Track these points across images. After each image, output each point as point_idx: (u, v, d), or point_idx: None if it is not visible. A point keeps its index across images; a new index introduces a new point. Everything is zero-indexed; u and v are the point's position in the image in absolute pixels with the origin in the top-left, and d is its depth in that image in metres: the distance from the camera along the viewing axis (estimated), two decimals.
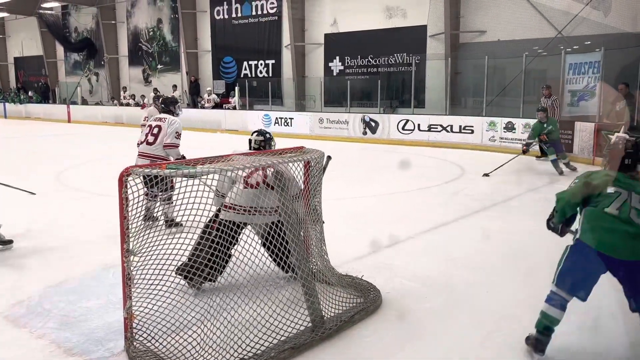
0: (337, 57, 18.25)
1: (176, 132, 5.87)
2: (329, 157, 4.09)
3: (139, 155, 5.85)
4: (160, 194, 3.22)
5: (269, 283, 3.29)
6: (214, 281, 3.48)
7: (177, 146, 5.87)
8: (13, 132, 19.28)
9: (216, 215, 3.71)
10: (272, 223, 3.59)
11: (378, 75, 17.05)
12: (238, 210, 3.75)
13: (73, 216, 6.33)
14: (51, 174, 9.23)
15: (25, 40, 29.55)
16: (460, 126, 13.86)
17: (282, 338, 3.19)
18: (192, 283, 3.55)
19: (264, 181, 3.78)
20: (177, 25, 22.23)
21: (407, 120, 14.77)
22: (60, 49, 27.77)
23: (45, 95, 27.44)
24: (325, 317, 3.42)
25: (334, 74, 18.38)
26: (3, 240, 5.14)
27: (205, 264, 3.34)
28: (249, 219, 3.76)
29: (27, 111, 26.15)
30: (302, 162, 3.69)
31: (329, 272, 3.92)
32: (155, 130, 5.87)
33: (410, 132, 14.68)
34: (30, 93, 27.91)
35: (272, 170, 3.56)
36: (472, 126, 13.62)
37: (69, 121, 23.81)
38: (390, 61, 17.04)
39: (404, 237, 5.58)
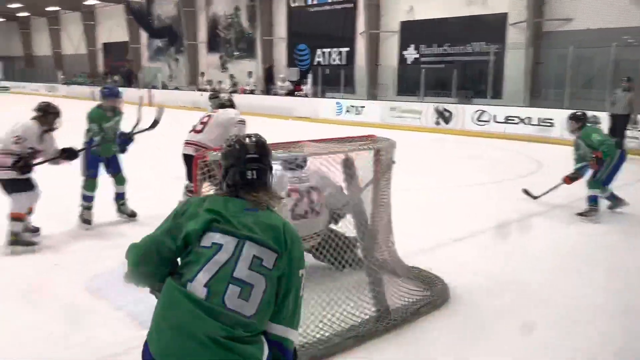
0: (412, 45, 17.92)
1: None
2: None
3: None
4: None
5: (333, 270, 3.29)
6: None
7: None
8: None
9: None
10: (314, 245, 3.64)
11: (454, 64, 16.58)
12: None
13: (156, 195, 6.56)
14: (139, 155, 9.66)
15: (113, 27, 31.14)
16: (539, 119, 13.25)
17: (347, 326, 3.19)
18: None
19: (312, 209, 3.79)
20: (254, 12, 22.61)
21: (483, 111, 14.30)
22: (144, 36, 29.04)
23: (129, 79, 28.79)
24: (390, 308, 3.39)
25: (408, 62, 18.08)
26: (128, 212, 5.73)
27: None
28: None
29: None
30: (372, 150, 3.66)
31: (396, 263, 3.87)
32: (205, 119, 5.77)
33: (485, 123, 14.21)
34: (115, 77, 29.39)
35: (316, 195, 3.62)
36: (552, 119, 12.97)
37: (149, 105, 24.90)
38: (468, 50, 16.53)
39: (474, 231, 5.43)
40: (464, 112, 14.64)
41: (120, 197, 5.72)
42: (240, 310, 1.63)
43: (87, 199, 5.44)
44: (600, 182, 5.93)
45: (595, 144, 5.87)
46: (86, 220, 5.43)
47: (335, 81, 19.16)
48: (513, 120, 13.72)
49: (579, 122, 6.14)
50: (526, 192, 6.73)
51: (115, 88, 5.77)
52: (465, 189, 7.52)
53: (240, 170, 1.82)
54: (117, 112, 5.62)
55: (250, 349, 1.61)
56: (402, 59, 18.25)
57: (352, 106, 17.32)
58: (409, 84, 17.85)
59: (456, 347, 3.17)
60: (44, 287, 3.92)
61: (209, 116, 5.84)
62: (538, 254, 4.84)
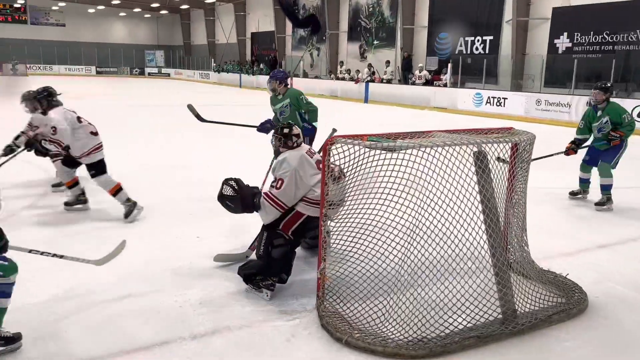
0: (565, 34, 16.53)
1: None
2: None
3: None
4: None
5: (459, 267, 3.17)
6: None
7: None
8: (247, 101, 21.59)
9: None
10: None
11: (613, 53, 15.02)
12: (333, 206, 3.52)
13: None
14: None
15: (261, 17, 32.81)
16: None
17: (469, 325, 3.06)
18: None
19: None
20: (396, 0, 22.41)
21: None
22: (289, 25, 30.20)
23: (274, 67, 30.19)
24: (518, 312, 3.19)
25: (559, 51, 16.72)
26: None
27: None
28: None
29: (257, 82, 29.14)
30: (510, 143, 3.45)
31: (528, 265, 3.63)
32: None
33: None
34: (261, 65, 30.99)
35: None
36: None
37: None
38: (631, 38, 14.84)
39: (624, 238, 4.91)
40: None
41: None
42: None
43: None
44: (612, 168, 5.93)
45: (624, 123, 5.82)
46: None
47: (476, 71, 18.37)
48: None
49: (607, 93, 5.86)
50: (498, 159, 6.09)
51: (278, 71, 6.09)
52: (619, 191, 6.80)
53: None
54: (285, 95, 5.81)
55: None
56: (552, 48, 16.92)
57: (493, 97, 16.49)
58: (559, 75, 16.53)
59: None
60: (184, 257, 4.28)
61: None
62: None
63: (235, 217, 5.26)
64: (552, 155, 6.13)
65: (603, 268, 4.17)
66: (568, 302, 3.44)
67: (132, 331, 3.08)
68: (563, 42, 16.66)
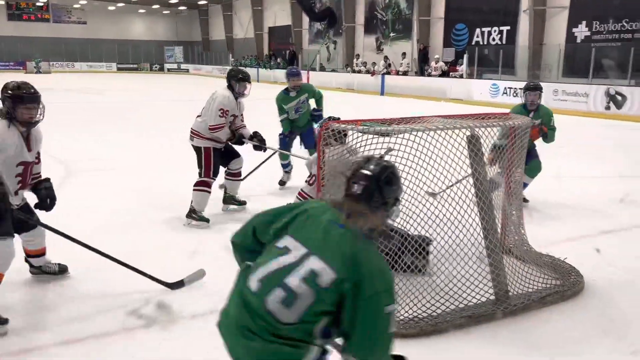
0: (584, 22, 16.29)
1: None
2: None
3: None
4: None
5: (452, 249, 3.22)
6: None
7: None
8: (264, 94, 21.67)
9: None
10: None
11: (632, 42, 14.75)
12: None
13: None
14: None
15: (278, 12, 32.89)
16: None
17: (461, 305, 3.12)
18: None
19: None
20: None
21: None
22: (305, 19, 30.22)
23: (291, 62, 30.19)
24: (510, 293, 3.23)
25: (578, 40, 16.49)
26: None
27: None
28: None
29: (274, 76, 29.20)
30: (505, 128, 3.49)
31: (523, 248, 3.67)
32: None
33: None
34: (278, 60, 31.08)
35: None
36: None
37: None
38: None
39: (627, 225, 4.90)
40: None
41: None
42: (277, 314, 1.66)
43: (283, 166, 6.16)
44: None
45: (552, 127, 5.29)
46: (281, 182, 6.16)
47: (493, 62, 18.21)
48: None
49: (537, 91, 5.41)
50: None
51: (294, 68, 6.38)
52: (628, 180, 6.76)
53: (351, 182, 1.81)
54: (300, 91, 5.98)
55: (272, 347, 1.63)
56: (570, 38, 16.69)
57: (510, 88, 16.33)
58: (577, 64, 16.30)
59: (580, 343, 2.93)
60: (192, 243, 4.40)
61: None
62: None
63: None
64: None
65: (604, 253, 4.14)
66: (563, 284, 3.47)
67: (141, 311, 3.18)
68: (581, 31, 16.42)
